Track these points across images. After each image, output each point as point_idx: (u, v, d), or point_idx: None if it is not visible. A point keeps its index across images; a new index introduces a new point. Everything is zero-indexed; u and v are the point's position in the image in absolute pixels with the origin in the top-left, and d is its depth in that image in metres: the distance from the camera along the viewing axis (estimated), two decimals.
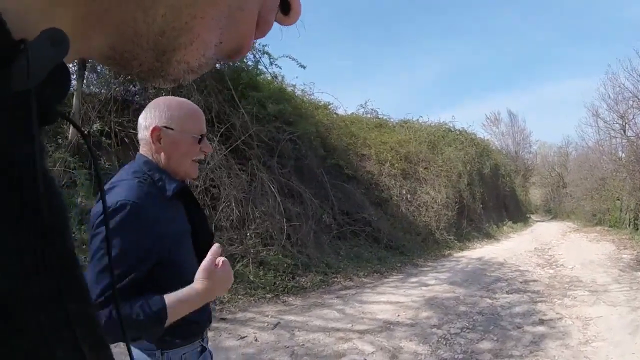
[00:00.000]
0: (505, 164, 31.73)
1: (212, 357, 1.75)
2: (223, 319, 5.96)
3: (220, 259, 1.44)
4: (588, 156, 28.23)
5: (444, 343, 5.47)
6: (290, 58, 11.01)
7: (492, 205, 23.58)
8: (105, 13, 0.36)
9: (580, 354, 5.05)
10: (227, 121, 9.04)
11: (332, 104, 14.82)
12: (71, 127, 6.88)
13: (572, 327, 5.99)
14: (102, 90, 8.13)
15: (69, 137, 7.02)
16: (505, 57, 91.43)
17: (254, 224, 8.51)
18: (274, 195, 9.18)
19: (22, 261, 0.29)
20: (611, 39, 61.85)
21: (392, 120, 19.00)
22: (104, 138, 7.42)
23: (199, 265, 1.42)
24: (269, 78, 11.59)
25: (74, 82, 6.91)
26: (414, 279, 9.30)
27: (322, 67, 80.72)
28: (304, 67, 11.29)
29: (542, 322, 6.23)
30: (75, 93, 7.20)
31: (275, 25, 0.48)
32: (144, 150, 1.57)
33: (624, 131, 20.70)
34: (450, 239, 15.26)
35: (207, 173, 8.04)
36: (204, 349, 1.68)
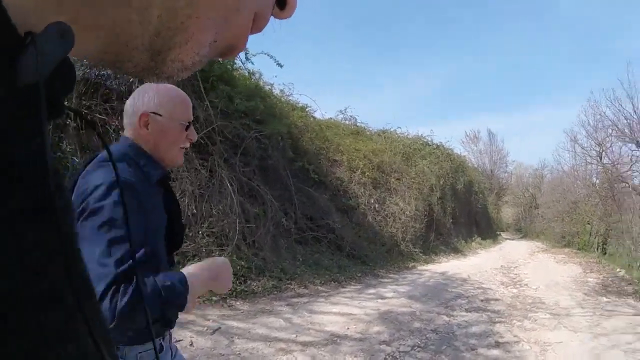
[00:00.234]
0: (479, 181, 31.90)
1: (173, 354, 1.65)
2: None
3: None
4: (562, 180, 28.46)
5: None
6: (267, 55, 10.75)
7: (463, 220, 23.51)
8: (99, 15, 0.36)
9: None
10: (197, 118, 8.57)
11: (310, 106, 14.53)
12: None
13: (529, 352, 5.62)
14: None
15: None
16: (496, 78, 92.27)
17: (209, 222, 8.08)
18: (233, 193, 8.76)
19: (32, 258, 0.29)
20: (600, 69, 63.05)
21: (370, 128, 18.85)
22: (69, 120, 6.98)
23: (168, 258, 1.48)
24: (246, 74, 11.31)
25: None
26: (371, 290, 8.91)
27: (312, 72, 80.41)
28: (281, 66, 10.95)
29: (497, 344, 5.85)
30: None
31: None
32: (129, 133, 1.53)
33: (600, 158, 21.01)
34: (415, 251, 14.91)
35: None
36: (162, 348, 1.58)
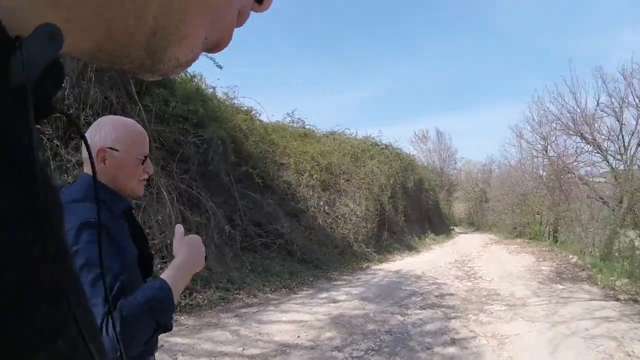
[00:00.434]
0: (430, 179, 32.20)
1: None
2: None
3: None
4: (510, 174, 28.98)
5: None
6: (206, 56, 10.15)
7: (415, 217, 23.52)
8: (95, 17, 0.36)
9: None
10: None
11: (255, 109, 14.03)
12: None
13: (486, 347, 5.38)
14: None
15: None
16: (445, 81, 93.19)
17: (147, 234, 7.55)
18: (172, 203, 8.27)
19: (19, 258, 0.29)
20: (545, 70, 64.80)
21: (319, 131, 18.54)
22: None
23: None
24: (186, 77, 10.79)
25: None
26: (324, 295, 8.56)
27: (262, 77, 79.55)
28: (221, 67, 10.56)
29: (453, 342, 5.59)
30: None
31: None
32: (87, 169, 1.54)
33: (546, 151, 21.47)
34: (369, 251, 14.64)
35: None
36: None
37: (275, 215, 11.71)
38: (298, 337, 5.84)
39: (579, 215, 16.75)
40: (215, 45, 0.46)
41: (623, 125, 16.60)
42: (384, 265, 13.42)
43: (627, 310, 7.08)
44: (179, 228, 1.55)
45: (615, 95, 16.81)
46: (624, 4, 52.69)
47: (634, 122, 16.44)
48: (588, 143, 17.76)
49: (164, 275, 1.42)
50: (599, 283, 9.42)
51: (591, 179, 17.83)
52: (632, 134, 16.44)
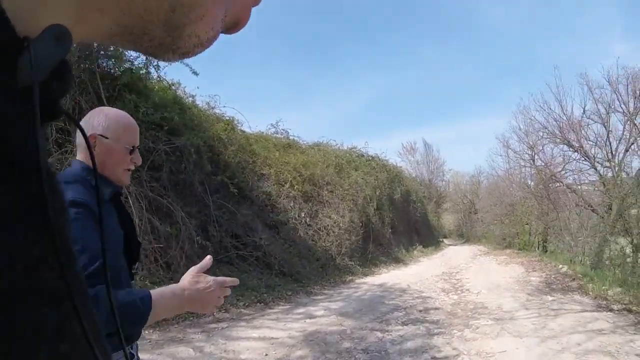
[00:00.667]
0: (417, 191, 31.91)
1: None
2: None
3: (212, 279, 1.52)
4: (498, 184, 28.69)
5: None
6: (183, 64, 9.78)
7: (403, 229, 23.13)
8: None
9: None
10: None
11: (237, 119, 13.60)
12: None
13: None
14: None
15: None
16: (432, 91, 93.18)
17: None
18: (140, 211, 7.81)
19: (19, 258, 0.29)
20: (529, 77, 64.96)
21: (303, 141, 18.11)
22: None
23: (129, 272, 1.59)
24: (165, 85, 10.62)
25: None
26: (300, 310, 8.06)
27: (248, 89, 79.11)
28: (197, 74, 10.26)
29: None
30: None
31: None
32: (80, 156, 1.59)
33: (533, 161, 21.24)
34: (352, 264, 14.15)
35: None
36: (132, 356, 1.60)
37: (253, 227, 11.25)
38: (266, 355, 5.38)
39: (568, 224, 16.46)
40: (234, 24, 0.45)
41: (610, 132, 16.41)
42: (369, 279, 12.95)
43: (621, 321, 6.62)
44: (206, 261, 1.58)
45: (601, 101, 16.63)
46: (612, 14, 53.19)
47: (620, 128, 16.26)
48: (575, 151, 17.51)
49: (154, 292, 1.40)
50: (591, 293, 8.97)
51: (579, 187, 17.53)
52: (620, 140, 16.23)
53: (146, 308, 1.34)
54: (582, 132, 17.22)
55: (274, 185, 13.54)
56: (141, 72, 9.56)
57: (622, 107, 16.02)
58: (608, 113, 16.38)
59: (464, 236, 41.72)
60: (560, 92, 18.77)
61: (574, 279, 10.69)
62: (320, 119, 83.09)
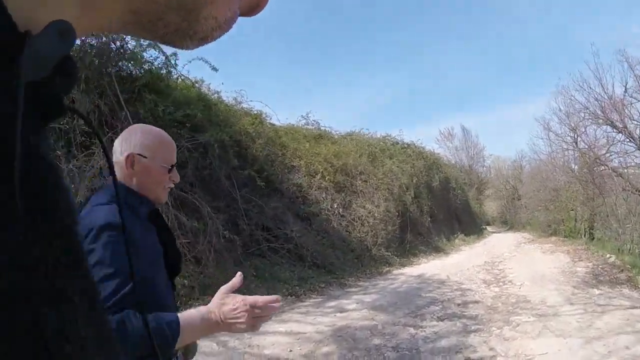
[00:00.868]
0: (457, 177, 31.16)
1: None
2: None
3: (241, 299, 1.44)
4: (541, 169, 27.72)
5: None
6: (202, 60, 9.96)
7: (443, 217, 22.64)
8: None
9: None
10: (115, 126, 7.56)
11: (264, 113, 13.41)
12: None
13: None
14: None
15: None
16: (464, 80, 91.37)
17: None
18: (167, 207, 7.68)
19: (19, 258, 0.28)
20: (566, 63, 62.58)
21: (336, 132, 17.83)
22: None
23: (171, 286, 1.61)
24: (188, 83, 10.63)
25: None
26: (332, 303, 7.80)
27: (283, 85, 79.35)
28: (217, 70, 10.15)
29: None
30: None
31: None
32: (118, 174, 1.58)
33: (576, 143, 20.21)
34: (389, 255, 13.81)
35: (87, 183, 6.57)
36: None
37: (284, 219, 11.07)
38: (290, 351, 5.19)
39: (615, 209, 15.63)
40: (254, 7, 0.43)
41: None
42: (406, 270, 12.62)
43: None
44: (236, 280, 1.52)
45: None
46: None
47: None
48: (619, 132, 16.45)
49: (182, 316, 1.37)
50: None
51: (625, 170, 16.52)
52: None
53: (174, 333, 1.31)
54: (626, 111, 16.14)
55: (304, 176, 13.33)
56: (161, 71, 9.56)
57: None
58: None
59: (508, 223, 40.79)
60: (600, 69, 17.79)
61: (622, 270, 10.11)
62: (350, 110, 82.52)
